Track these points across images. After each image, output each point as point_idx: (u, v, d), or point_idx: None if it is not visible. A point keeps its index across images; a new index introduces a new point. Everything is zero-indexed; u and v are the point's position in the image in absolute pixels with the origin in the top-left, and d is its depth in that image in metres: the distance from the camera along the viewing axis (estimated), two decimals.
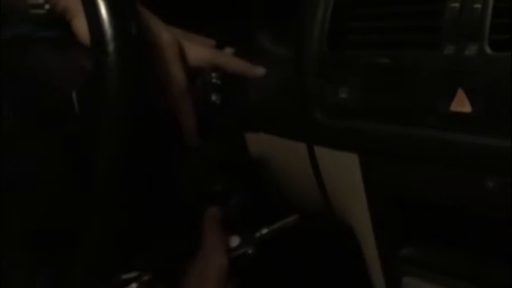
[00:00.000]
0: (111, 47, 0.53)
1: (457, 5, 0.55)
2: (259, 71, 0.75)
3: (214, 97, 0.68)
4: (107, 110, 0.53)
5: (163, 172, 0.69)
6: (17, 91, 0.61)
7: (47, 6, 0.61)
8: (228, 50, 0.81)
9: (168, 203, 0.73)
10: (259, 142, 0.77)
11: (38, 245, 0.65)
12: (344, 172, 0.66)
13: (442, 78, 0.56)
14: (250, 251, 0.68)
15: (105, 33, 0.53)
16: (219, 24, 0.84)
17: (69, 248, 0.61)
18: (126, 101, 0.53)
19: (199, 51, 0.71)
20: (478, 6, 0.54)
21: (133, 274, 0.66)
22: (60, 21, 0.63)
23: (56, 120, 0.60)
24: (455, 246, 0.63)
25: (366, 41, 0.64)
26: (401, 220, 0.65)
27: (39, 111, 0.61)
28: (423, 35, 0.58)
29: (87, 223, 0.58)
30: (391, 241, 0.66)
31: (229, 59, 0.75)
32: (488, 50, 0.53)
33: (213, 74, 0.68)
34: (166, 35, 0.67)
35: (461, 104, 0.54)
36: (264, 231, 0.69)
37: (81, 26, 0.58)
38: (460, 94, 0.54)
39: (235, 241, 0.68)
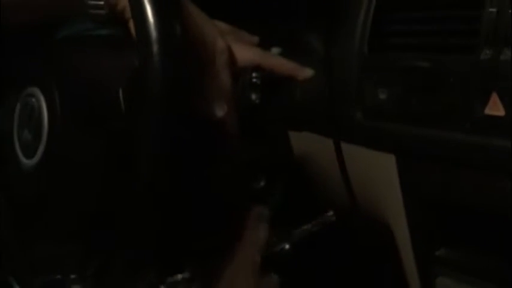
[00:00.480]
0: (155, 48, 0.55)
1: (494, 10, 0.55)
2: (307, 72, 0.76)
3: (253, 96, 0.70)
4: (147, 109, 0.55)
5: (205, 171, 0.71)
6: (68, 86, 0.65)
7: (107, 8, 0.64)
8: (275, 50, 0.83)
9: (209, 200, 0.75)
10: (302, 140, 0.79)
11: (89, 233, 0.68)
12: (380, 172, 0.67)
13: (477, 82, 0.57)
14: (287, 247, 0.70)
15: (150, 34, 0.55)
16: (267, 24, 0.86)
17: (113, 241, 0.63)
18: (167, 102, 0.55)
19: (247, 53, 0.72)
20: None
21: (179, 277, 0.69)
22: (118, 20, 0.65)
23: (103, 116, 0.63)
24: (490, 249, 0.64)
25: (405, 44, 0.65)
26: (438, 221, 0.66)
27: (88, 107, 0.64)
28: (461, 39, 0.59)
29: (129, 221, 0.60)
30: (427, 242, 0.67)
31: (277, 60, 0.76)
32: None
33: (253, 74, 0.70)
34: (220, 43, 0.68)
35: (495, 108, 0.55)
36: (302, 227, 0.71)
37: None
38: (494, 98, 0.55)
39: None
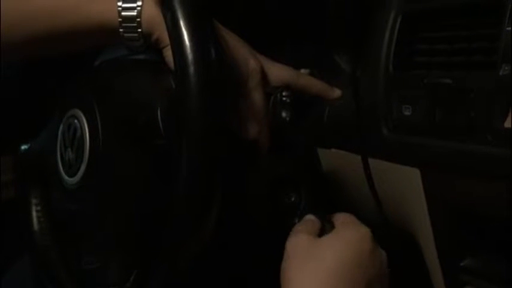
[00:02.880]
0: (191, 69, 0.58)
1: (509, 29, 0.58)
2: (336, 92, 0.79)
3: (284, 114, 0.72)
4: (186, 129, 0.58)
5: (237, 186, 0.73)
6: (109, 108, 0.68)
7: (141, 39, 0.67)
8: (304, 71, 0.86)
9: (240, 217, 0.77)
10: (330, 157, 0.82)
11: (130, 247, 0.71)
12: (406, 185, 0.70)
13: (497, 97, 0.59)
14: None
15: (187, 57, 0.59)
16: (296, 45, 0.89)
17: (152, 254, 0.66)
18: (205, 121, 0.58)
19: (279, 73, 0.75)
20: None
21: None
22: (153, 49, 0.68)
23: (143, 135, 0.66)
24: None
25: (428, 62, 0.68)
26: (463, 232, 0.68)
27: (127, 127, 0.66)
28: (481, 57, 0.62)
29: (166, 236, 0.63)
30: (453, 252, 0.69)
31: (308, 80, 0.79)
32: None
33: (284, 93, 0.73)
34: (252, 63, 0.70)
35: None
36: None
37: (170, 55, 0.63)
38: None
39: None
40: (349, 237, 0.65)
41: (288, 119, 0.72)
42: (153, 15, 0.65)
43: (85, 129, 0.68)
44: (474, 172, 0.63)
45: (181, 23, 0.60)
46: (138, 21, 0.65)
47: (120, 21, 0.66)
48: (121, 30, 0.66)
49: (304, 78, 0.79)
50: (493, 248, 0.67)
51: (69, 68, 0.76)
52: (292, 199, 0.77)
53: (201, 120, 0.58)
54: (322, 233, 0.68)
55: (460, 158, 0.63)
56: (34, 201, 0.84)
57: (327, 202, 0.79)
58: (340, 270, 0.62)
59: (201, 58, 0.59)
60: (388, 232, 0.73)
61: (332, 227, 0.69)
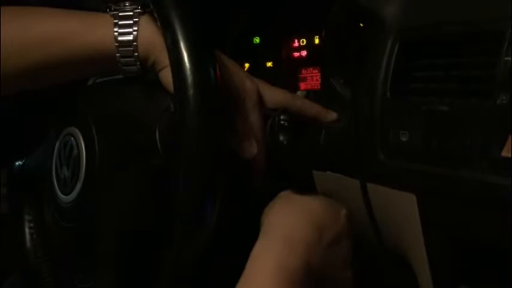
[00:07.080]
0: (191, 92, 0.58)
1: (509, 59, 0.59)
2: (332, 115, 0.80)
3: (281, 138, 0.73)
4: (185, 149, 0.58)
5: (232, 209, 0.73)
6: (106, 126, 0.68)
7: (138, 63, 0.67)
8: (300, 93, 0.86)
9: (235, 239, 0.77)
10: (325, 179, 0.82)
11: (124, 266, 0.70)
12: (402, 210, 0.70)
13: (494, 126, 0.60)
14: None
15: (187, 79, 0.59)
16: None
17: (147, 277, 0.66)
18: (203, 143, 0.58)
19: (276, 95, 0.75)
20: None
21: None
22: (149, 72, 0.68)
23: (140, 155, 0.66)
24: (510, 286, 0.65)
25: (425, 89, 0.68)
26: (458, 259, 0.68)
27: (124, 146, 0.66)
28: (479, 85, 0.63)
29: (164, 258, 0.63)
30: (447, 278, 0.69)
31: (304, 102, 0.79)
32: None
33: (282, 116, 0.73)
34: (249, 83, 0.70)
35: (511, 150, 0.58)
36: None
37: (168, 77, 0.63)
38: (510, 141, 0.58)
39: None
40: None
41: (285, 142, 0.72)
42: (150, 39, 0.66)
43: (81, 147, 0.68)
44: (469, 199, 0.63)
45: (182, 45, 0.60)
46: (135, 45, 0.66)
47: (116, 46, 0.66)
48: (118, 55, 0.66)
49: (300, 100, 0.79)
50: (487, 275, 0.67)
51: (65, 86, 0.76)
52: None
53: (199, 142, 0.58)
54: None
55: (456, 185, 0.64)
56: (27, 217, 0.84)
57: None
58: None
59: (200, 81, 0.59)
60: (383, 256, 0.73)
61: None
